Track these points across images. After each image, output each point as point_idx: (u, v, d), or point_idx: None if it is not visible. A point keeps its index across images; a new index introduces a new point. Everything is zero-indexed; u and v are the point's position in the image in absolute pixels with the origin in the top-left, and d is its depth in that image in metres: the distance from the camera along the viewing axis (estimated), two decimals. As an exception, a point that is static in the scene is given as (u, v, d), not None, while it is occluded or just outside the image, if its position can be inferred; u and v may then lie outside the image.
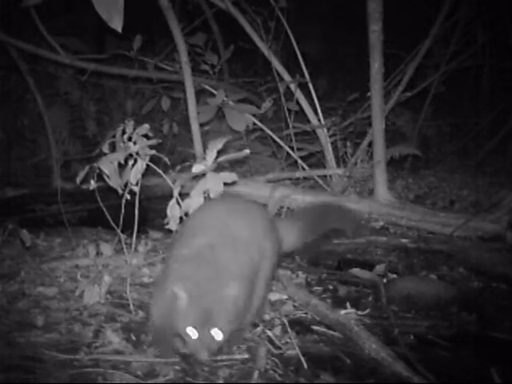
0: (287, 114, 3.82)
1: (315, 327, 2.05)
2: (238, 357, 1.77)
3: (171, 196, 2.24)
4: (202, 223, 1.92)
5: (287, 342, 1.90)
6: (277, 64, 3.77)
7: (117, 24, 1.93)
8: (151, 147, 2.26)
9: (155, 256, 2.67)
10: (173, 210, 2.22)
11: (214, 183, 2.11)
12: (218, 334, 1.60)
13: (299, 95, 3.74)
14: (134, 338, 1.90)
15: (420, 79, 4.44)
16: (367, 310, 2.22)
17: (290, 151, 3.87)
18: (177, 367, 1.70)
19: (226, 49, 4.63)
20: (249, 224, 1.94)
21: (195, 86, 3.58)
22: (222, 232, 1.84)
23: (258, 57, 4.40)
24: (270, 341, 1.90)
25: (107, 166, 2.20)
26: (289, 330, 1.98)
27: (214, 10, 4.54)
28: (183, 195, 2.24)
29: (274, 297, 2.26)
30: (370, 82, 3.24)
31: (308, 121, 3.79)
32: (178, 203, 2.22)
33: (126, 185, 2.27)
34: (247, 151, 2.25)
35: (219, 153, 2.15)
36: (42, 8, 3.62)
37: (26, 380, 1.63)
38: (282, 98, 3.81)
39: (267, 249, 1.95)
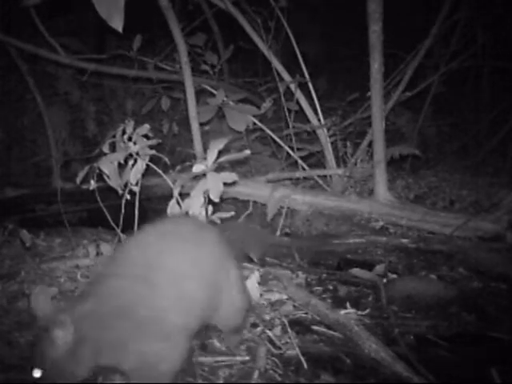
0: (287, 114, 3.82)
1: (315, 327, 2.05)
2: (238, 357, 1.78)
3: (171, 196, 2.24)
4: (123, 253, 1.58)
5: (287, 342, 1.90)
6: (277, 64, 3.76)
7: (117, 23, 1.92)
8: (151, 147, 2.26)
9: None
10: (173, 210, 2.22)
11: (215, 183, 2.10)
12: None
13: (299, 95, 3.74)
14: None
15: (420, 79, 4.44)
16: (367, 310, 2.22)
17: (290, 151, 3.87)
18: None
19: (225, 49, 4.62)
20: (192, 251, 1.60)
21: (195, 86, 3.57)
22: (148, 261, 1.49)
23: (258, 57, 4.39)
24: (270, 341, 1.90)
25: (107, 166, 2.20)
26: (289, 330, 1.98)
27: (214, 10, 4.54)
28: (183, 195, 2.24)
29: (274, 297, 2.26)
30: (370, 82, 3.23)
31: (308, 121, 3.79)
32: (178, 203, 2.22)
33: (126, 185, 2.28)
34: (248, 152, 2.25)
35: (220, 153, 2.15)
36: (41, 8, 3.62)
37: (25, 380, 1.63)
38: (282, 98, 3.81)
39: (226, 279, 1.68)
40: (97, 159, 2.27)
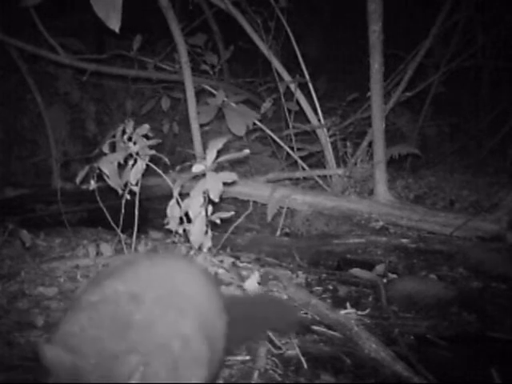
0: (287, 114, 3.82)
1: (315, 327, 2.05)
2: (238, 357, 1.77)
3: (171, 196, 2.24)
4: (126, 267, 1.35)
5: (287, 342, 1.90)
6: (277, 64, 3.77)
7: (114, 24, 1.93)
8: (151, 147, 2.26)
9: (155, 256, 2.67)
10: (173, 210, 2.22)
11: (214, 183, 2.11)
12: None
13: (299, 95, 3.74)
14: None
15: (420, 79, 4.44)
16: (367, 310, 2.21)
17: (290, 151, 3.87)
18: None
19: (226, 49, 4.63)
20: (201, 282, 1.39)
21: (195, 86, 3.58)
22: (158, 280, 1.28)
23: (258, 57, 4.39)
24: (270, 341, 1.90)
25: (107, 166, 2.20)
26: (289, 330, 1.98)
27: (214, 10, 4.54)
28: (183, 195, 2.24)
29: (274, 297, 2.26)
30: (370, 81, 3.24)
31: (308, 121, 3.79)
32: (178, 203, 2.23)
33: (126, 185, 2.28)
34: (247, 151, 2.25)
35: (219, 153, 2.15)
36: (42, 8, 3.62)
37: (25, 380, 1.63)
38: (282, 98, 3.81)
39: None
40: (97, 159, 2.27)
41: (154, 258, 1.48)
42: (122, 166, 2.28)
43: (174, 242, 2.70)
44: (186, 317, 1.21)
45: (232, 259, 2.58)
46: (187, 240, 2.38)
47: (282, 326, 1.95)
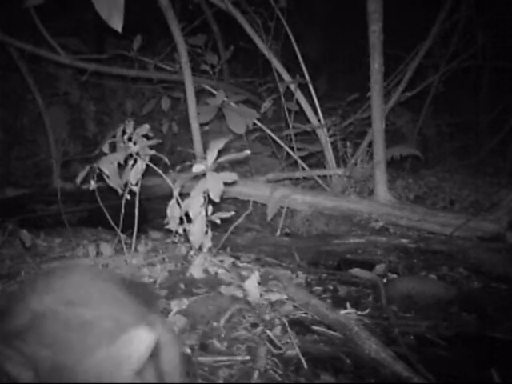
0: (287, 114, 3.82)
1: (315, 327, 2.05)
2: (238, 357, 1.77)
3: (171, 196, 2.24)
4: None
5: (287, 342, 1.90)
6: (277, 64, 3.77)
7: (117, 23, 1.93)
8: (151, 147, 2.26)
9: (155, 256, 2.67)
10: (173, 210, 2.22)
11: (214, 183, 2.11)
12: None
13: (299, 95, 3.74)
14: (134, 337, 1.89)
15: (420, 79, 4.44)
16: (367, 310, 2.21)
17: (290, 151, 3.87)
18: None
19: (226, 49, 4.63)
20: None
21: (195, 86, 3.58)
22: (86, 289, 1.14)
23: (258, 57, 4.40)
24: (270, 341, 1.90)
25: (107, 166, 2.20)
26: (289, 330, 1.97)
27: (214, 10, 4.54)
28: (183, 195, 2.24)
29: (274, 297, 2.26)
30: (370, 82, 3.24)
31: (308, 121, 3.79)
32: (178, 203, 2.23)
33: (126, 185, 2.28)
34: (248, 152, 2.26)
35: (220, 153, 2.15)
36: (42, 8, 3.61)
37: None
38: (282, 98, 3.82)
39: None
40: (97, 159, 2.27)
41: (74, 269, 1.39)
42: (122, 166, 2.28)
43: (174, 242, 2.71)
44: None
45: (232, 259, 2.58)
46: (187, 240, 2.39)
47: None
